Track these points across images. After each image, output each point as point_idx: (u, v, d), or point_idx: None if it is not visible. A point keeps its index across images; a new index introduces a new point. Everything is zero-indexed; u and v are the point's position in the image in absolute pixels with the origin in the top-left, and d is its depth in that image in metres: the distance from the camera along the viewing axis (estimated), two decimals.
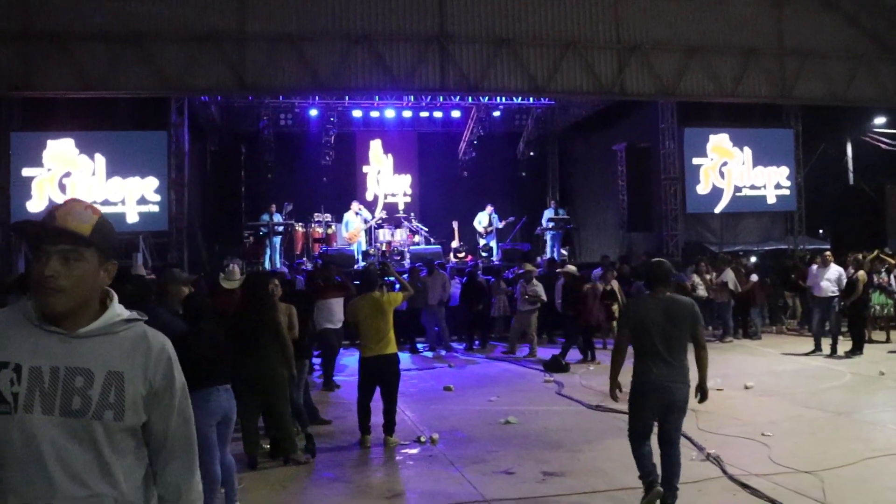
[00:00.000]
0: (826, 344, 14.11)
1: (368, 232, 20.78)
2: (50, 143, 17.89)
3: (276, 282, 8.17)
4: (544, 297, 15.41)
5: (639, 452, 6.02)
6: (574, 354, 14.21)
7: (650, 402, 5.93)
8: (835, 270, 14.31)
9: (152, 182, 18.22)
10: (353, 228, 20.21)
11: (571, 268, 15.56)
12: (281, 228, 19.51)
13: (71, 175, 17.89)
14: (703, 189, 21.74)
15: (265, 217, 19.38)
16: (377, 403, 8.52)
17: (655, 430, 6.10)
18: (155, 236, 18.39)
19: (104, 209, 17.21)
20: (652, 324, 5.86)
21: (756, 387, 11.11)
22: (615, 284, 15.43)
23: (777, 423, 8.70)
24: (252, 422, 7.64)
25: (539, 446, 8.21)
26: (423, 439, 8.53)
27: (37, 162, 17.77)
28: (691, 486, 6.53)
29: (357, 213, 20.41)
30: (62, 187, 17.80)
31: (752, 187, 22.22)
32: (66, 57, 16.46)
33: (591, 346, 14.62)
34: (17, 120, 17.97)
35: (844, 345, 14.25)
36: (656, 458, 6.08)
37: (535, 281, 15.57)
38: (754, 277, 17.00)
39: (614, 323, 14.49)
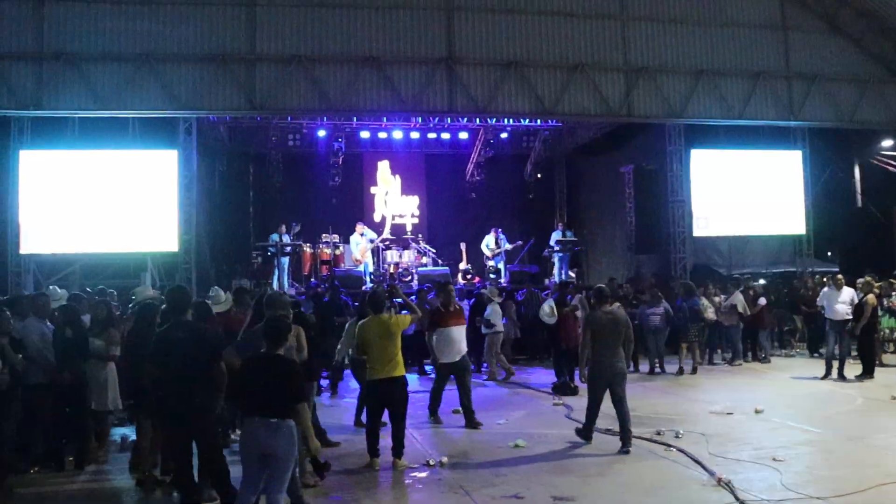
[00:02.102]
0: (835, 367, 14.02)
1: (376, 253, 20.76)
2: (59, 161, 17.91)
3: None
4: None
5: (593, 413, 9.21)
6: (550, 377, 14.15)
7: (603, 376, 9.03)
8: (847, 293, 14.23)
9: (161, 202, 18.24)
10: (359, 249, 20.19)
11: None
12: (289, 249, 19.48)
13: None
14: None
15: (274, 237, 19.33)
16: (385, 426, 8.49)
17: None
18: (163, 256, 18.41)
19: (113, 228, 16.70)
20: (603, 327, 9.10)
21: (766, 411, 10.99)
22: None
23: (788, 448, 8.63)
24: None
25: (548, 470, 8.15)
26: (431, 462, 8.47)
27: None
28: None
29: (362, 235, 20.38)
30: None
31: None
32: (78, 76, 16.62)
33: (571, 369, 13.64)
34: (27, 137, 17.89)
35: (854, 368, 14.17)
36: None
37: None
38: (762, 301, 16.90)
39: None
